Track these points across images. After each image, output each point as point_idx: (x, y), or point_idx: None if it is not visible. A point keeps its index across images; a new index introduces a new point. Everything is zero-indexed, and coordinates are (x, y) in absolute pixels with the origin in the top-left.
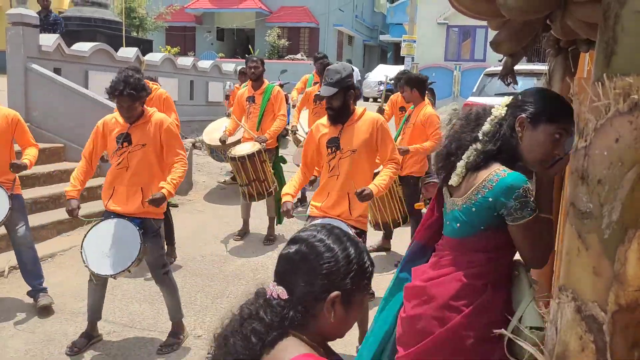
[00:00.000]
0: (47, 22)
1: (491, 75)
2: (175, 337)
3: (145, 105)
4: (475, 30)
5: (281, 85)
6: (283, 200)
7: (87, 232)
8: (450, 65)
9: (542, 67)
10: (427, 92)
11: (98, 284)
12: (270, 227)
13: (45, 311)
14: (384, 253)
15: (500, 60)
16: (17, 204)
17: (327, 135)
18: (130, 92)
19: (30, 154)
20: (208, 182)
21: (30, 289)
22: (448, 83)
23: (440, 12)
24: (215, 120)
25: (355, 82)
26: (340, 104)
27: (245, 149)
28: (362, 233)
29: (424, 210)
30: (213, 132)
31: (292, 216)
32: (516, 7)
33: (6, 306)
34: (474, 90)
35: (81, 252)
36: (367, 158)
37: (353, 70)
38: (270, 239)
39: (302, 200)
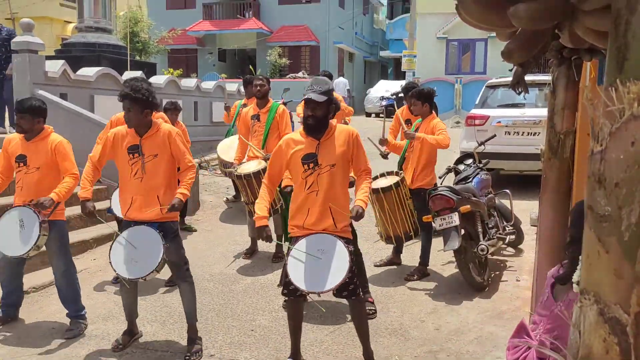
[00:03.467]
0: (1, 38)
1: (493, 87)
2: (195, 343)
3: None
4: (475, 43)
5: (284, 104)
6: (259, 224)
7: (112, 244)
8: (451, 78)
9: (543, 78)
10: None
11: (130, 288)
12: (278, 245)
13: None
14: (394, 267)
15: (510, 70)
16: (55, 230)
17: (302, 151)
18: (134, 96)
19: (62, 186)
20: (215, 202)
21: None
22: (450, 96)
23: (439, 27)
24: (224, 139)
25: (344, 91)
26: (322, 114)
27: (251, 167)
28: (349, 241)
29: (434, 223)
30: (229, 151)
31: (272, 240)
32: (526, 17)
33: (31, 327)
34: (477, 102)
35: (110, 263)
36: (344, 170)
37: (332, 80)
38: (278, 256)
39: None
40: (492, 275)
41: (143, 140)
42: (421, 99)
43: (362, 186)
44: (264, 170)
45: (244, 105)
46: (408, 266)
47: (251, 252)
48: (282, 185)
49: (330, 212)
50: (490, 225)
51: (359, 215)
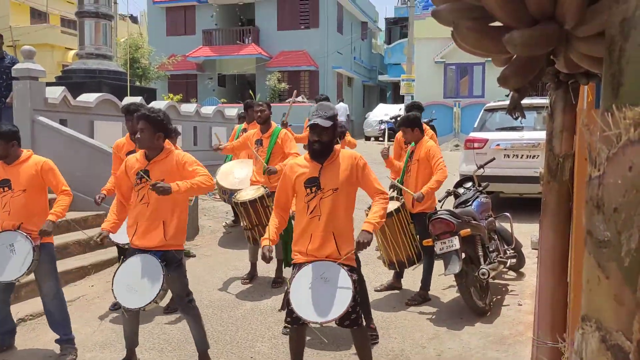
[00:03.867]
0: (4, 66)
1: (491, 110)
2: None
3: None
4: (473, 67)
5: (285, 125)
6: (262, 244)
7: (116, 271)
8: (449, 102)
9: (540, 101)
10: (428, 127)
11: (130, 317)
12: (278, 270)
13: None
14: (395, 292)
15: (507, 95)
16: (45, 253)
17: (305, 175)
18: (150, 116)
19: (58, 205)
20: (214, 227)
21: (58, 337)
22: (448, 120)
23: (437, 51)
24: (224, 164)
25: (344, 116)
26: (328, 139)
27: (249, 193)
28: (353, 269)
29: (435, 247)
30: (228, 176)
31: (270, 259)
32: (521, 43)
33: (27, 355)
34: (475, 125)
35: (112, 289)
36: (348, 195)
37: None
38: (278, 281)
39: None
40: (494, 299)
41: (151, 164)
42: (409, 125)
43: (373, 208)
44: (261, 198)
45: (244, 130)
46: (409, 291)
47: (251, 277)
48: None
49: (333, 238)
50: (491, 249)
51: (362, 245)
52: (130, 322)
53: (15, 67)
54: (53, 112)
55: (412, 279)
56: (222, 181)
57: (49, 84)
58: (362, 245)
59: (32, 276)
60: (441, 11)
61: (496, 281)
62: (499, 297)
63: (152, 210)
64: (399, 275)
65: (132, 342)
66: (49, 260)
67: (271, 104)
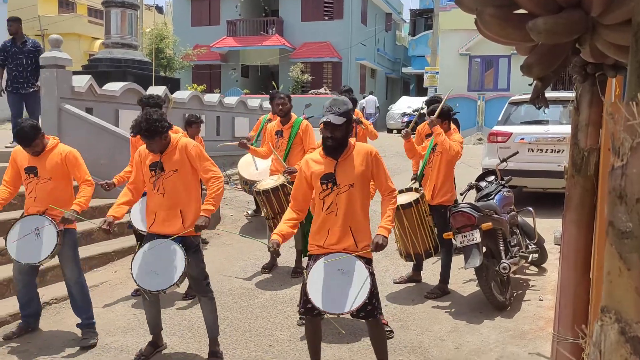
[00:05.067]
0: (27, 50)
1: (516, 103)
2: (215, 356)
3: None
4: (498, 60)
5: (307, 119)
6: (271, 238)
7: (134, 256)
8: (473, 95)
9: (567, 94)
10: (451, 122)
11: (152, 301)
12: (298, 260)
13: (87, 348)
14: (413, 285)
15: (530, 85)
16: (68, 239)
17: (321, 171)
18: (146, 132)
19: (81, 196)
20: (235, 216)
21: (80, 321)
22: (472, 113)
23: (462, 44)
24: (245, 155)
25: (373, 108)
26: (342, 135)
27: (270, 183)
28: (370, 262)
29: (455, 240)
30: (249, 167)
31: (279, 254)
32: (545, 30)
33: (51, 337)
34: (499, 119)
35: (131, 274)
36: (363, 190)
37: (362, 99)
38: (297, 271)
39: None
40: (515, 294)
41: (163, 156)
42: (440, 116)
43: (385, 211)
44: (282, 186)
45: (269, 120)
46: (428, 284)
47: (270, 266)
48: None
49: (350, 232)
50: (512, 243)
51: (379, 247)
52: (151, 306)
53: (42, 55)
54: (79, 100)
55: (431, 272)
56: (243, 172)
57: (75, 73)
58: (379, 247)
59: (57, 260)
60: None
61: (517, 276)
62: (519, 292)
63: (168, 199)
64: (418, 268)
65: (155, 326)
66: (71, 246)
67: (293, 96)
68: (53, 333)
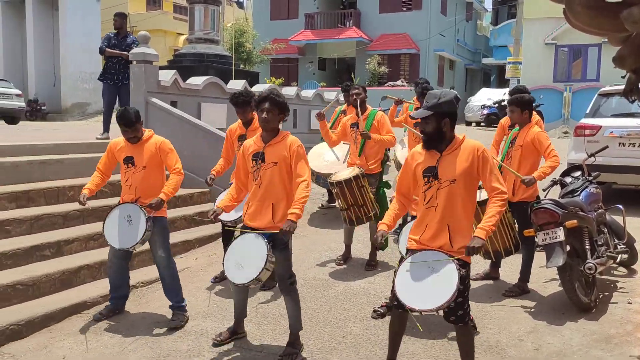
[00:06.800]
0: (125, 44)
1: (606, 95)
2: (293, 347)
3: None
4: (587, 49)
5: (383, 112)
6: (378, 228)
7: (228, 248)
8: (559, 86)
9: None
10: (535, 112)
11: (239, 288)
12: (372, 253)
13: (173, 330)
14: (491, 282)
15: (623, 77)
16: (158, 226)
17: (424, 164)
18: (277, 100)
19: (169, 184)
20: (311, 207)
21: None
22: (557, 105)
23: (548, 32)
24: (315, 146)
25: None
26: (432, 129)
27: (344, 174)
28: (465, 265)
29: (537, 238)
30: (318, 158)
31: (382, 244)
32: None
33: (137, 319)
34: (587, 111)
35: (223, 264)
36: (467, 188)
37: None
38: (372, 264)
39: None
40: (600, 296)
41: (267, 147)
42: (521, 106)
43: (488, 210)
44: (356, 177)
45: (343, 111)
46: (506, 282)
47: (345, 258)
48: None
49: (448, 230)
50: (599, 243)
51: (473, 250)
52: (239, 292)
53: (132, 51)
54: (165, 94)
55: (510, 269)
56: (310, 162)
57: (161, 68)
58: (473, 250)
59: (146, 246)
60: None
61: (604, 277)
62: (606, 293)
63: (263, 191)
64: (495, 265)
65: (240, 312)
66: (161, 232)
67: (369, 88)
68: (139, 315)
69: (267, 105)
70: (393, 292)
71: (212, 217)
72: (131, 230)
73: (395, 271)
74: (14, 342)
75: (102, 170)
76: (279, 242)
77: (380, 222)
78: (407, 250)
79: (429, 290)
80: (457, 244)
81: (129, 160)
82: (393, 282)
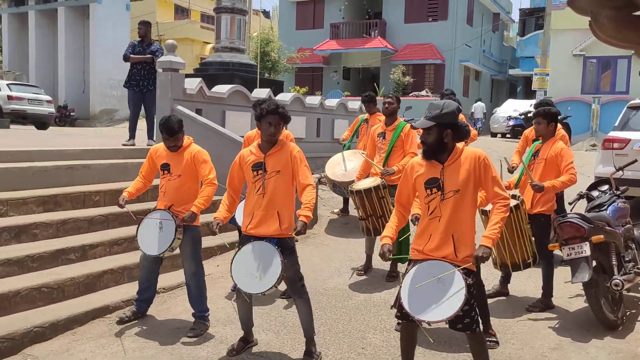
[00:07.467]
0: (149, 51)
1: (636, 108)
2: (310, 355)
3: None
4: (617, 60)
5: (407, 122)
6: (382, 242)
7: (234, 257)
8: (587, 98)
9: None
10: (561, 125)
11: (244, 300)
12: (393, 264)
13: (192, 337)
14: (503, 298)
15: None
16: (188, 235)
17: (425, 175)
18: (285, 114)
19: (202, 196)
20: (332, 216)
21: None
22: (585, 117)
23: (576, 44)
24: (334, 155)
25: (481, 114)
26: (434, 140)
27: (365, 183)
28: (470, 273)
29: (558, 252)
30: (335, 167)
31: (390, 259)
32: None
33: (158, 324)
34: (616, 124)
35: (231, 276)
36: (470, 197)
37: (460, 108)
38: (392, 275)
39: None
40: (627, 313)
41: (267, 157)
42: (547, 117)
43: (492, 217)
44: (376, 188)
45: (366, 120)
46: (529, 297)
47: (366, 268)
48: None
49: (452, 240)
50: (627, 259)
51: (480, 259)
52: (244, 304)
53: (159, 59)
54: (190, 101)
55: (534, 284)
56: (328, 171)
57: (187, 76)
58: (480, 259)
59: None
60: (578, 0)
61: (631, 294)
62: (633, 311)
63: (267, 200)
64: (505, 280)
65: (247, 322)
66: (191, 242)
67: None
68: (160, 320)
69: (276, 119)
70: (399, 304)
71: (215, 229)
72: (161, 237)
73: (400, 284)
74: (37, 344)
75: (144, 175)
76: (286, 247)
77: (382, 236)
78: (410, 261)
79: (436, 300)
80: (462, 254)
81: (165, 168)
82: (398, 294)
